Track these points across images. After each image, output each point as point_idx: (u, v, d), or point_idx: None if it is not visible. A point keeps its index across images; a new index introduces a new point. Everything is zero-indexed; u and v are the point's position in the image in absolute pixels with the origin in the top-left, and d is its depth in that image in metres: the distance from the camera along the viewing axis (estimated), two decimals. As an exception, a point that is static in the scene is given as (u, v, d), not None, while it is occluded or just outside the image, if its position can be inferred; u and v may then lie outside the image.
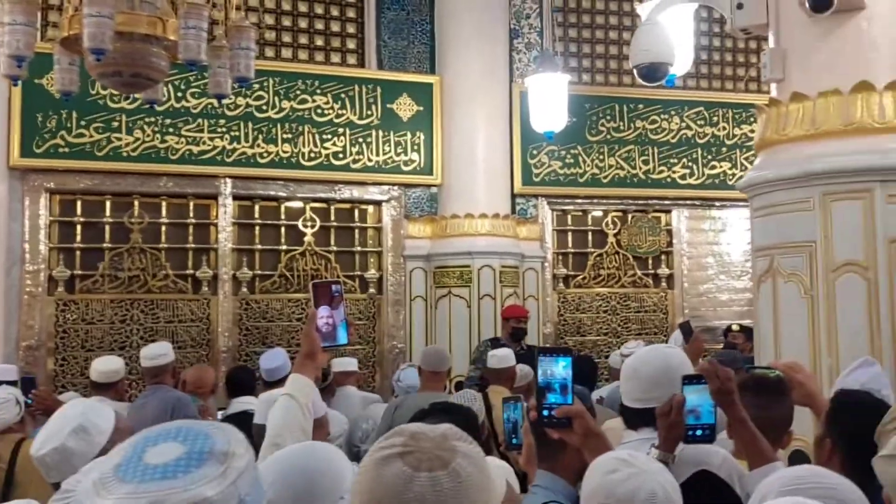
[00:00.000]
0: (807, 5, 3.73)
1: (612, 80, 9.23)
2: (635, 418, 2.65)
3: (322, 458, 1.81)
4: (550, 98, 7.20)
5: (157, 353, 5.23)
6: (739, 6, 4.23)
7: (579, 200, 8.97)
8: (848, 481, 1.88)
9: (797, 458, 3.73)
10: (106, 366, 5.43)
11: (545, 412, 2.14)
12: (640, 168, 9.04)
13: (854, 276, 3.74)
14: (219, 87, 5.35)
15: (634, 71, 4.61)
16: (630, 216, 9.13)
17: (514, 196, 8.63)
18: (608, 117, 9.00)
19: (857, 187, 3.76)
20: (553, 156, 8.79)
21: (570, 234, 9.03)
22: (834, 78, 3.87)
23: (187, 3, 4.59)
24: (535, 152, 8.71)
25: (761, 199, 4.10)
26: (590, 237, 9.07)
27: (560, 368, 2.15)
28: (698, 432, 2.31)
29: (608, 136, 9.00)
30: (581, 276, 9.00)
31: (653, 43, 4.52)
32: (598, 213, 9.11)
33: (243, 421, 2.87)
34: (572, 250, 9.02)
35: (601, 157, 8.95)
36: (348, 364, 6.55)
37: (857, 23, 3.90)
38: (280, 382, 5.38)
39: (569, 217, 9.03)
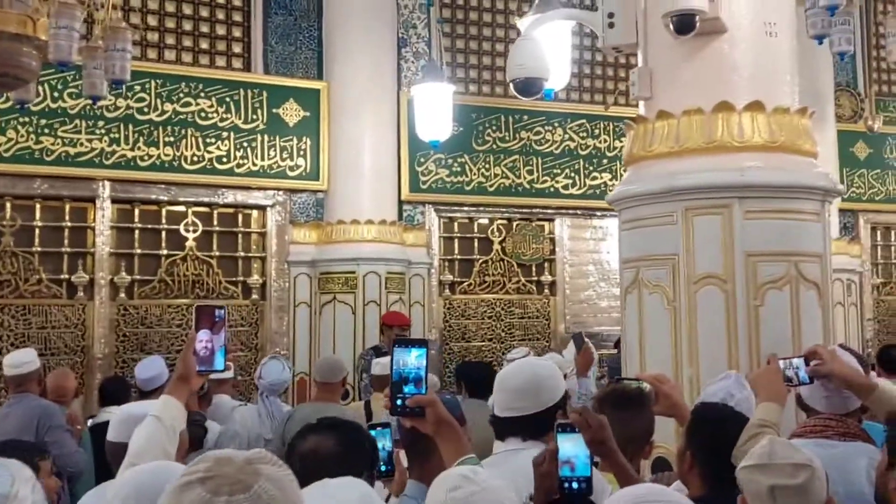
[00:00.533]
0: (671, 27, 3.89)
1: (498, 90, 9.39)
2: (502, 428, 2.73)
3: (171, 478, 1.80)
4: (436, 107, 7.27)
5: (22, 360, 5.05)
6: (611, 25, 4.38)
7: (466, 208, 9.09)
8: (686, 499, 1.96)
9: (659, 465, 3.88)
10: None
11: (398, 402, 2.16)
12: (525, 178, 9.22)
13: (713, 288, 3.92)
14: (94, 89, 5.23)
15: (511, 85, 4.71)
16: (515, 224, 9.31)
17: (401, 203, 8.67)
18: (494, 127, 9.15)
19: (716, 203, 3.94)
20: (440, 164, 8.89)
21: (456, 240, 9.13)
22: (697, 97, 4.04)
23: (59, 3, 4.47)
24: (422, 160, 8.78)
25: (628, 212, 4.25)
26: (476, 244, 9.20)
27: (414, 359, 2.16)
28: (574, 485, 2.16)
29: (494, 146, 9.15)
30: (467, 283, 9.11)
31: (528, 58, 4.64)
32: (485, 221, 9.25)
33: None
34: (459, 257, 9.13)
35: (487, 166, 9.10)
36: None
37: (720, 45, 4.08)
38: (155, 392, 5.30)
39: (455, 224, 9.13)
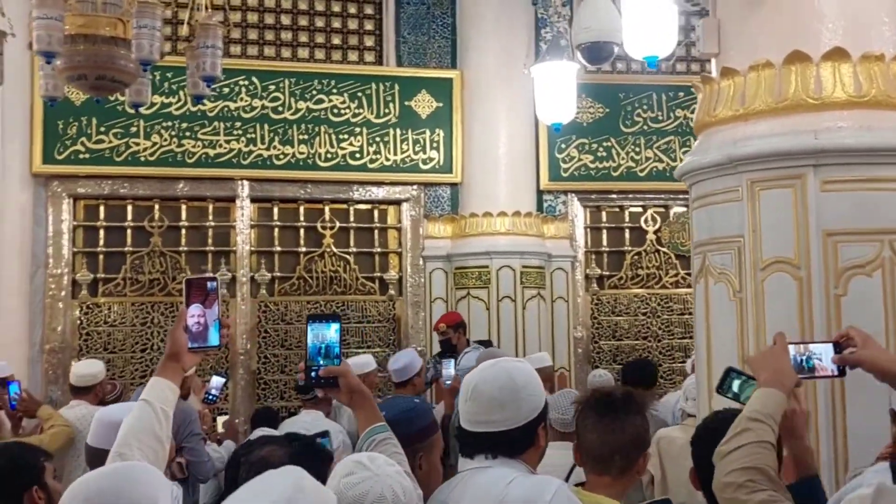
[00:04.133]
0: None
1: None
2: (471, 444, 2.26)
3: (130, 480, 1.67)
4: (558, 87, 6.81)
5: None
6: (679, -24, 3.83)
7: (614, 196, 8.52)
8: None
9: None
10: (84, 370, 5.47)
11: (313, 374, 2.25)
12: (682, 160, 8.49)
13: (784, 274, 3.29)
14: (196, 88, 5.25)
15: (577, 53, 4.24)
16: (672, 212, 8.61)
17: (540, 192, 8.27)
18: (645, 106, 8.51)
19: (786, 173, 3.30)
20: (583, 149, 8.39)
21: (604, 231, 8.58)
22: (768, 49, 3.42)
23: (139, 2, 4.52)
24: (563, 146, 8.33)
25: (696, 188, 3.69)
26: (627, 235, 8.60)
27: (330, 333, 2.26)
28: None
29: (645, 127, 8.51)
30: (617, 277, 8.54)
31: (595, 19, 4.17)
32: (637, 209, 8.63)
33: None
34: (607, 249, 8.57)
35: (637, 149, 8.48)
36: (366, 365, 6.04)
37: (801, -13, 3.43)
38: (407, 383, 5.26)
39: (603, 213, 8.59)
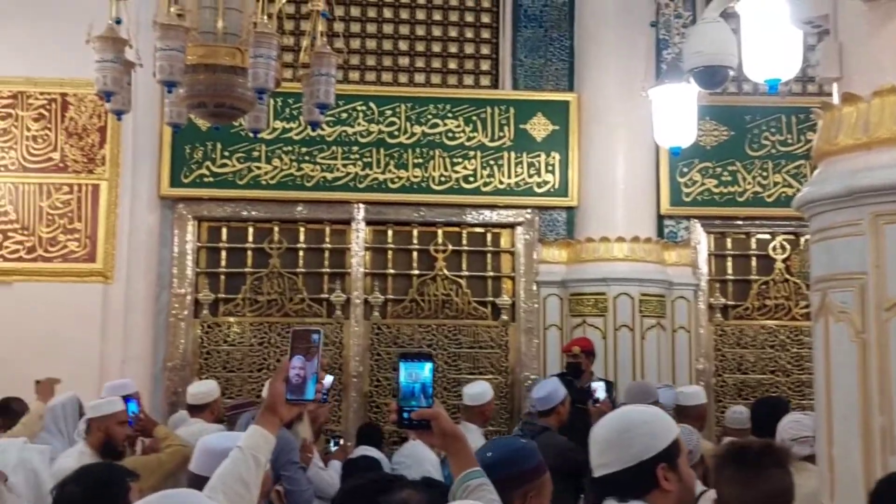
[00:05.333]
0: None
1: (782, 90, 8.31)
2: (596, 490, 2.22)
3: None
4: (677, 110, 6.57)
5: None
6: (799, -6, 3.60)
7: (739, 222, 8.15)
8: None
9: None
10: (199, 388, 5.62)
11: (405, 415, 2.19)
12: (813, 185, 8.07)
13: (910, 316, 3.02)
14: (310, 115, 5.32)
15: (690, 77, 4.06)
16: (803, 240, 8.16)
17: (660, 218, 8.00)
18: (773, 129, 8.14)
19: (914, 207, 3.04)
20: (707, 173, 8.07)
21: (729, 259, 8.22)
22: (893, 73, 3.17)
23: (255, 32, 4.62)
24: (685, 170, 8.04)
25: (815, 221, 3.44)
26: (753, 263, 8.21)
27: (423, 373, 2.20)
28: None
29: (773, 151, 8.13)
30: (742, 307, 8.15)
31: (707, 44, 3.98)
32: (764, 237, 8.23)
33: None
34: (732, 277, 8.20)
35: (765, 173, 8.10)
36: (483, 394, 5.92)
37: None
38: (552, 412, 5.22)
39: (728, 240, 8.23)
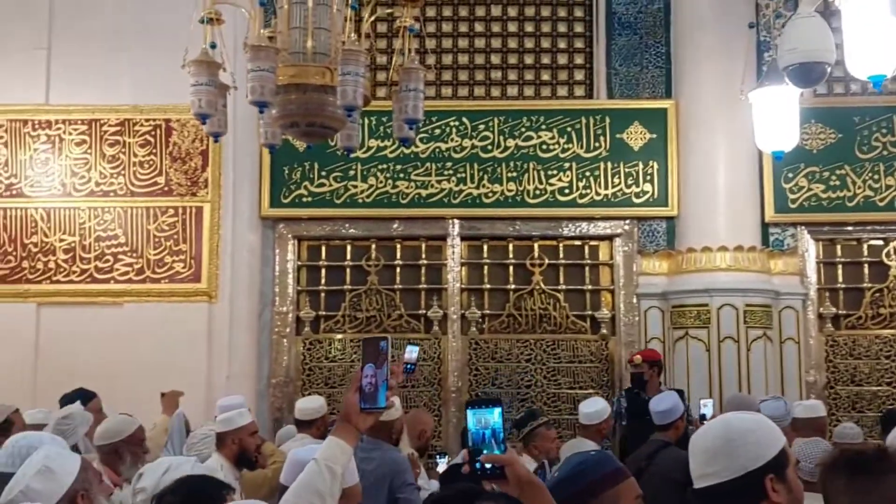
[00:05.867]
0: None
1: (891, 88, 7.95)
2: (697, 502, 2.12)
3: None
4: (779, 113, 6.34)
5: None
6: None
7: (850, 228, 7.80)
8: None
9: None
10: (307, 404, 5.71)
11: (477, 464, 2.11)
12: (929, 187, 7.67)
13: None
14: (401, 131, 5.37)
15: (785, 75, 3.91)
16: (918, 245, 7.76)
17: (765, 225, 7.73)
18: (885, 130, 7.77)
19: None
20: (814, 178, 7.77)
21: (839, 266, 7.88)
22: None
23: (343, 50, 4.69)
24: (790, 175, 7.75)
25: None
26: (866, 270, 7.84)
27: (493, 418, 2.11)
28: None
29: (885, 153, 7.76)
30: (855, 316, 7.79)
31: (803, 40, 3.82)
32: (877, 242, 7.85)
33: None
34: (843, 286, 7.85)
35: (876, 176, 7.74)
36: (602, 412, 5.65)
37: None
38: (670, 427, 5.11)
39: (838, 247, 7.89)
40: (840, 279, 7.87)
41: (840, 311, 7.81)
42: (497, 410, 2.12)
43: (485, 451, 2.10)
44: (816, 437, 4.62)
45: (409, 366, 5.69)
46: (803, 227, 7.80)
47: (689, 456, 2.12)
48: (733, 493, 2.01)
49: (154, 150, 7.33)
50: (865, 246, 7.86)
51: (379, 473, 4.44)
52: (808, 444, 3.80)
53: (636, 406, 5.93)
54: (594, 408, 5.70)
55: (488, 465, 2.10)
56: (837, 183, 7.77)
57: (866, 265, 7.85)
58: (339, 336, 7.93)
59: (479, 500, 2.17)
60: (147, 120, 7.34)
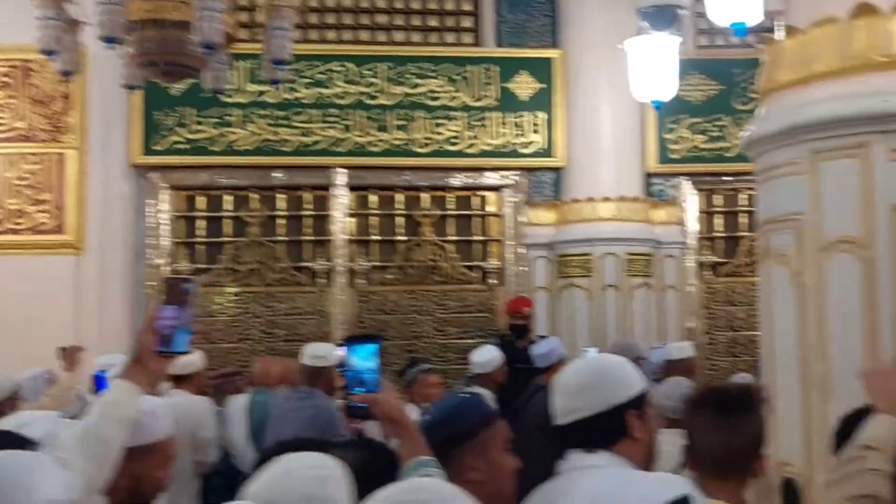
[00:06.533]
0: None
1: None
2: (561, 440, 2.10)
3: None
4: (658, 63, 6.35)
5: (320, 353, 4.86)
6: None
7: (728, 178, 7.94)
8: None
9: (790, 490, 2.99)
10: (182, 359, 5.45)
11: (350, 403, 2.12)
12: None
13: (847, 255, 2.85)
14: (270, 72, 5.15)
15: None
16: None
17: (648, 176, 7.81)
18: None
19: (851, 142, 2.87)
20: (695, 129, 7.86)
21: (717, 216, 8.02)
22: (837, 4, 2.97)
23: None
24: (672, 126, 7.83)
25: (760, 161, 3.28)
26: (742, 220, 8.00)
27: (369, 355, 2.06)
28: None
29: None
30: (733, 264, 7.96)
31: (656, -18, 3.78)
32: (754, 193, 7.98)
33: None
34: (721, 234, 8.01)
35: (755, 128, 7.86)
36: (490, 362, 5.65)
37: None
38: (549, 370, 5.17)
39: (717, 197, 8.02)
40: (719, 228, 8.02)
41: (718, 260, 7.98)
42: (374, 347, 2.06)
43: (355, 390, 2.07)
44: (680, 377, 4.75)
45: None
46: (684, 178, 7.90)
47: (555, 394, 2.10)
48: (597, 429, 2.00)
49: (13, 93, 6.93)
50: (743, 196, 8.01)
51: (312, 422, 4.35)
52: (671, 384, 3.96)
53: (511, 353, 5.95)
54: (486, 357, 5.68)
55: (358, 405, 2.07)
56: (718, 134, 7.88)
57: (743, 215, 8.01)
58: (219, 290, 7.70)
59: (331, 449, 2.09)
60: (4, 60, 6.93)
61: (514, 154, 7.79)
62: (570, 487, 1.95)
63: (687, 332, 7.74)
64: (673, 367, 5.71)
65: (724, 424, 2.16)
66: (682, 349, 6.18)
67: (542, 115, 7.79)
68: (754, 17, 4.53)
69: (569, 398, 2.05)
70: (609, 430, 1.99)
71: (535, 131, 7.79)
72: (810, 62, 2.99)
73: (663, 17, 3.75)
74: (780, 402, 3.06)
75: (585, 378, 2.06)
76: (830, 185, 2.91)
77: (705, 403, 2.24)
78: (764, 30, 4.19)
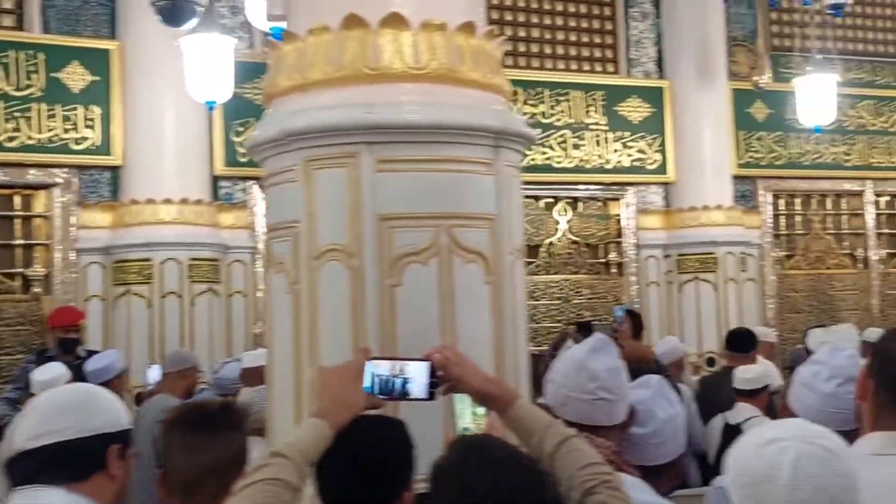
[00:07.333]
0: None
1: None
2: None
3: None
4: (213, 63, 6.21)
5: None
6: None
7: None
8: None
9: None
10: None
11: None
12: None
13: (337, 263, 2.91)
14: None
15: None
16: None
17: (215, 179, 7.63)
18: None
19: (341, 151, 2.93)
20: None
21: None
22: (331, 12, 3.02)
23: None
24: (241, 129, 7.73)
25: (266, 166, 3.24)
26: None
27: None
28: None
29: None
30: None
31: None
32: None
33: None
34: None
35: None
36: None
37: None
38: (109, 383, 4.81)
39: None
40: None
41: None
42: None
43: None
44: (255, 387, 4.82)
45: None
46: (255, 182, 7.85)
47: (29, 416, 1.93)
48: (69, 458, 1.84)
49: None
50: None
51: None
52: (258, 392, 4.31)
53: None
54: (51, 375, 5.03)
55: None
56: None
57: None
58: None
59: None
60: None
61: (64, 150, 7.18)
62: None
63: (255, 338, 7.69)
64: (249, 375, 5.51)
65: (190, 444, 2.08)
66: (259, 357, 5.96)
67: (97, 110, 7.28)
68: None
69: (50, 419, 1.87)
70: (84, 459, 1.86)
71: (90, 126, 7.25)
72: (306, 69, 3.01)
73: (180, 13, 3.58)
74: (277, 411, 3.06)
75: (81, 397, 1.95)
76: (323, 194, 2.94)
77: (176, 423, 2.16)
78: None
